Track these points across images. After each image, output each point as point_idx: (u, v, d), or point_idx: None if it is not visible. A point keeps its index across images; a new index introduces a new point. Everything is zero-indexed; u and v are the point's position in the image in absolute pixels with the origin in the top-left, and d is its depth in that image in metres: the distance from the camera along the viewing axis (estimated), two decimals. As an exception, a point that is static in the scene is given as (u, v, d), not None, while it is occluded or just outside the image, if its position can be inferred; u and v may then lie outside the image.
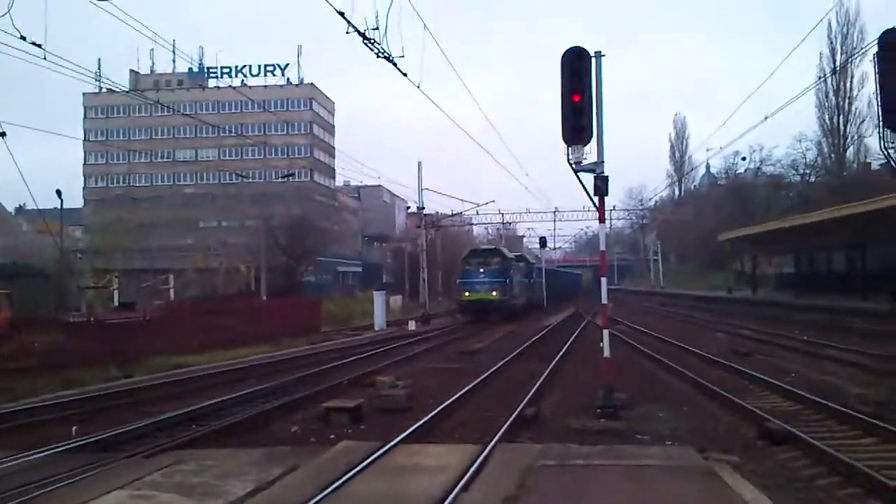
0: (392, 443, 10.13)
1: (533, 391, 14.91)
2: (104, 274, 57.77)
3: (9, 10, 11.49)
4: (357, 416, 13.18)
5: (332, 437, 11.79)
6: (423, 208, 52.16)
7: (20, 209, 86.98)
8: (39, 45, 14.31)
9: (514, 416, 12.32)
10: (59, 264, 48.48)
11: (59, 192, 48.62)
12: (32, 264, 47.87)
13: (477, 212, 71.83)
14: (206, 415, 13.93)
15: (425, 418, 12.31)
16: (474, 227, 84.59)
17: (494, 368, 19.31)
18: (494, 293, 42.00)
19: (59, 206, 49.45)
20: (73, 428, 12.43)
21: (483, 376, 17.67)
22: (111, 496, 8.15)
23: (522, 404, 13.30)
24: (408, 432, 11.02)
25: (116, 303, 49.47)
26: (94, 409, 15.15)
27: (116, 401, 16.23)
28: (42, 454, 10.45)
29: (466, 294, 43.25)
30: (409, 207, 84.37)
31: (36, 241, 60.54)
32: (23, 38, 13.31)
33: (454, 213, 71.88)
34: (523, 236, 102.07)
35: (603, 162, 13.15)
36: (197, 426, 12.89)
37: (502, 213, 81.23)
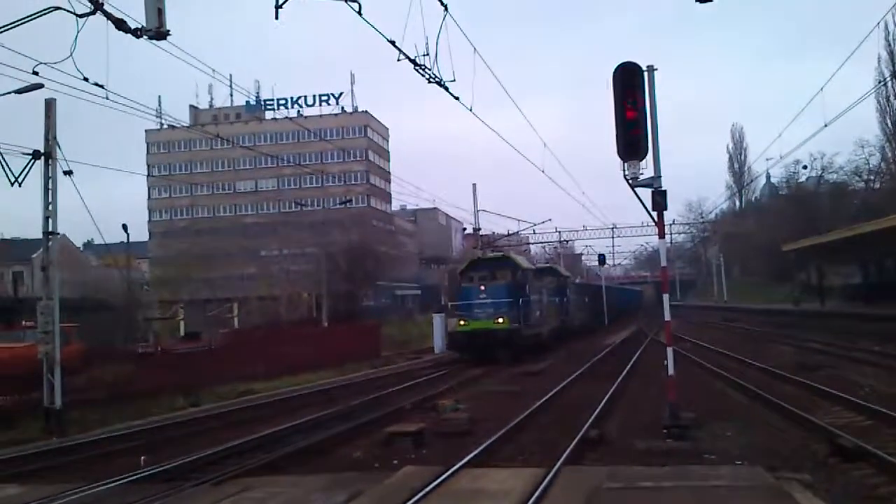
0: (455, 467, 10.07)
1: (597, 412, 14.69)
2: (170, 305, 59.17)
3: (71, 54, 11.85)
4: (419, 440, 13.17)
5: (395, 461, 11.79)
6: (480, 229, 52.19)
7: (88, 244, 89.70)
8: (102, 86, 14.75)
9: (578, 437, 12.14)
10: (126, 297, 49.76)
11: (125, 227, 50.04)
12: (101, 298, 49.22)
13: (534, 231, 71.59)
14: (272, 441, 14.08)
15: (487, 442, 12.22)
16: (531, 246, 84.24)
17: (556, 389, 19.09)
18: (500, 320, 29.43)
19: (125, 241, 50.84)
20: (142, 458, 12.67)
21: (545, 398, 17.49)
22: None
23: (586, 426, 13.11)
24: (470, 456, 10.95)
25: (183, 333, 50.57)
26: (163, 438, 15.44)
27: (184, 429, 16.52)
28: (112, 485, 10.67)
29: (462, 323, 30.54)
30: (465, 229, 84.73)
31: (104, 275, 62.38)
32: (85, 79, 13.73)
33: (510, 232, 71.72)
34: (581, 254, 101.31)
35: (660, 176, 12.97)
36: (263, 453, 13.03)
37: (559, 231, 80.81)
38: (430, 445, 13.09)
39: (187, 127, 57.80)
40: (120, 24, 11.43)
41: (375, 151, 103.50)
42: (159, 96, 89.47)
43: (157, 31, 10.71)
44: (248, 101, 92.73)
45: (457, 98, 15.88)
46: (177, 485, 10.56)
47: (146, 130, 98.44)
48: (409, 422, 14.62)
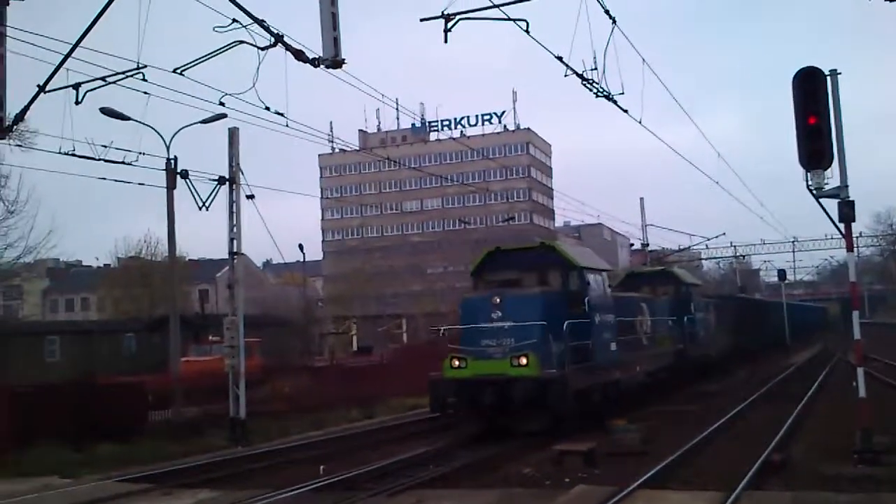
0: (630, 488, 9.83)
1: (780, 434, 13.89)
2: (343, 320, 61.51)
3: (254, 85, 12.62)
4: (591, 459, 12.92)
5: (566, 480, 11.64)
6: (648, 244, 50.82)
7: (267, 263, 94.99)
8: (282, 114, 15.58)
9: (760, 461, 11.52)
10: (303, 313, 52.19)
11: (301, 247, 52.55)
12: (280, 314, 51.93)
13: (706, 245, 68.73)
14: (443, 454, 14.31)
15: (663, 463, 11.82)
16: (703, 262, 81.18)
17: (735, 410, 18.22)
18: (524, 362, 15.97)
19: (301, 260, 53.43)
20: (321, 467, 13.21)
21: (724, 419, 16.74)
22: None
23: (769, 449, 12.41)
24: (646, 477, 10.63)
25: (355, 347, 52.38)
26: (340, 448, 16.04)
27: (359, 440, 17.09)
28: (295, 492, 11.19)
29: (456, 363, 16.77)
30: (632, 244, 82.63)
31: (282, 293, 65.95)
32: (267, 108, 14.53)
33: (681, 248, 69.39)
34: (759, 269, 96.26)
35: (847, 186, 12.16)
36: (435, 465, 13.25)
37: (734, 246, 77.18)
38: (601, 465, 12.82)
39: (357, 150, 60.17)
40: (299, 55, 12.06)
41: (538, 168, 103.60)
42: (331, 122, 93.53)
43: (334, 61, 11.18)
44: (413, 124, 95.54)
45: (625, 111, 15.59)
46: (355, 494, 10.92)
47: (319, 155, 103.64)
48: (578, 440, 14.39)
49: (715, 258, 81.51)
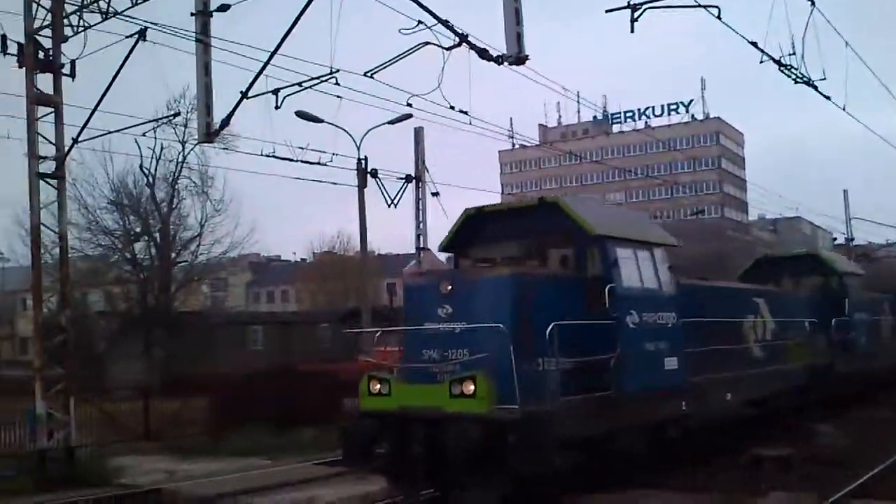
0: (833, 498, 9.22)
1: None
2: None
3: (439, 85, 12.91)
4: (787, 465, 12.23)
5: (762, 486, 11.08)
6: (853, 239, 47.28)
7: (450, 259, 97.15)
8: (466, 112, 15.84)
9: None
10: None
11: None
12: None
13: (921, 240, 62.88)
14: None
15: (870, 473, 10.98)
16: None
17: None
18: (469, 390, 9.51)
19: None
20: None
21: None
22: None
23: None
24: (851, 487, 9.93)
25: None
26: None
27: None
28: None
29: (376, 387, 10.70)
30: (834, 239, 77.14)
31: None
32: (451, 107, 14.80)
33: (889, 242, 63.96)
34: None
35: None
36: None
37: (953, 241, 70.13)
38: (799, 471, 12.08)
39: (537, 145, 60.20)
40: (483, 54, 12.23)
41: (729, 159, 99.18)
42: (511, 118, 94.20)
43: (517, 58, 11.24)
44: (595, 116, 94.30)
45: (827, 97, 14.64)
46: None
47: (499, 151, 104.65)
48: (774, 444, 13.64)
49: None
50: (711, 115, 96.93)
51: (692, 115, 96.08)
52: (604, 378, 10.45)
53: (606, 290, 10.65)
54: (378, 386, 10.54)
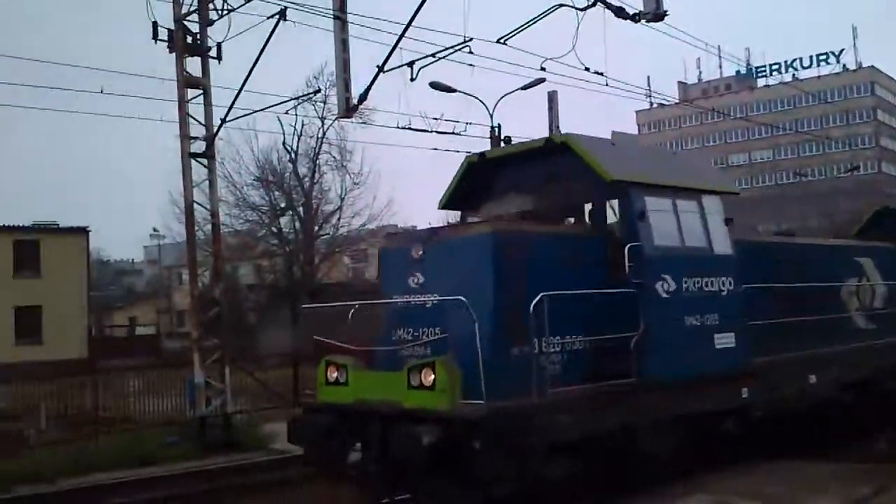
0: None
1: None
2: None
3: (574, 47, 12.58)
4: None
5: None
6: None
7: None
8: (601, 73, 15.44)
9: None
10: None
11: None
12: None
13: None
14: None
15: None
16: None
17: None
18: (429, 380, 7.65)
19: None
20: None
21: None
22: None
23: None
24: None
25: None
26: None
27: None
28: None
29: (334, 375, 8.72)
30: None
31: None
32: (587, 69, 14.46)
33: None
34: None
35: None
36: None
37: None
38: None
39: (677, 103, 58.04)
40: (619, 12, 11.87)
41: (886, 110, 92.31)
42: (648, 76, 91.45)
43: (655, 14, 10.87)
44: (738, 71, 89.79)
45: None
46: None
47: (636, 111, 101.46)
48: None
49: None
50: (865, 65, 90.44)
51: (844, 66, 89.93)
52: (610, 361, 8.25)
53: (626, 250, 8.53)
54: (336, 374, 8.64)
